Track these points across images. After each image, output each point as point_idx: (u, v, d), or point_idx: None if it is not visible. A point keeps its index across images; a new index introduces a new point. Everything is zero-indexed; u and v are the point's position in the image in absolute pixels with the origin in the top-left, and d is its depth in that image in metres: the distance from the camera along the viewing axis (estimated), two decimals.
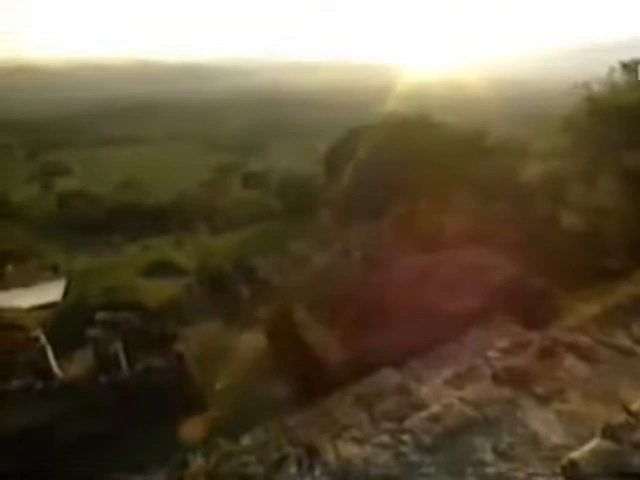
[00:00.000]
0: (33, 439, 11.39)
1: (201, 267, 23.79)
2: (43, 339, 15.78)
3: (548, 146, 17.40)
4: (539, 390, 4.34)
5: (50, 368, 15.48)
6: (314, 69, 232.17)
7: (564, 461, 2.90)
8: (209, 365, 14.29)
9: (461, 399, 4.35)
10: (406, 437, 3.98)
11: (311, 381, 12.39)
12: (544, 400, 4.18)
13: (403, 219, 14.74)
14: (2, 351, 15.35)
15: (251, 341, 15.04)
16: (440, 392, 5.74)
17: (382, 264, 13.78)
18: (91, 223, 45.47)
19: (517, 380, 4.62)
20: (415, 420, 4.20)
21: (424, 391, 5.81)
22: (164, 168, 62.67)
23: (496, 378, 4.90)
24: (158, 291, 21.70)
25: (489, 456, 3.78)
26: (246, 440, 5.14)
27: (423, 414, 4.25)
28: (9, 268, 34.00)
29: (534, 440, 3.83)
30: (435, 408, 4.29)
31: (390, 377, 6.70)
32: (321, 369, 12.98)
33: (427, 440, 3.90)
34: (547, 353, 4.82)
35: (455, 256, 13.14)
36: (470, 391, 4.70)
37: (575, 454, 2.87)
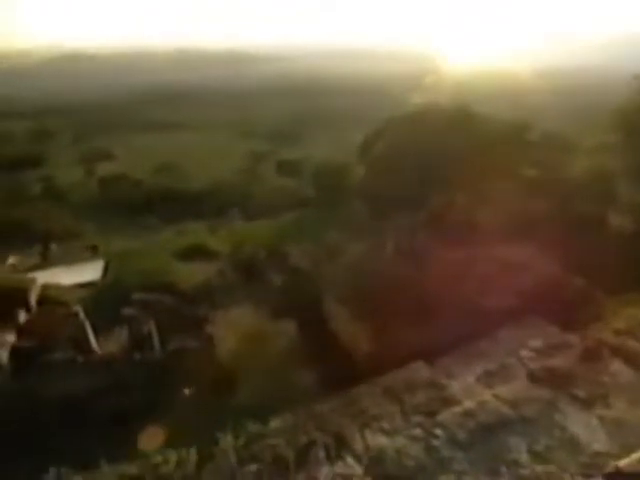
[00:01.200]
0: (71, 408, 11.89)
1: (234, 253, 24.13)
2: (82, 315, 16.42)
3: (597, 141, 16.60)
4: (581, 393, 4.15)
5: (89, 343, 16.11)
6: (351, 57, 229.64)
7: (609, 468, 2.76)
8: (238, 349, 14.51)
9: (496, 396, 4.22)
10: (438, 431, 3.89)
11: (338, 370, 12.42)
12: (586, 404, 4.00)
13: (440, 212, 14.45)
14: (46, 324, 16.07)
15: (281, 328, 15.17)
16: (471, 389, 5.59)
17: (416, 257, 13.59)
18: (130, 206, 46.81)
19: (557, 381, 4.43)
20: (448, 415, 4.10)
21: (455, 387, 5.68)
22: (201, 154, 63.64)
23: (534, 378, 4.72)
24: (192, 274, 22.17)
25: (524, 457, 3.65)
26: (275, 423, 5.13)
27: (456, 409, 4.15)
28: (53, 247, 35.47)
29: (573, 444, 3.67)
30: (469, 404, 4.18)
31: (420, 371, 6.57)
32: (349, 359, 12.98)
33: (460, 435, 3.81)
34: (591, 355, 4.61)
35: (492, 252, 12.81)
36: (506, 389, 4.55)
37: (622, 462, 2.72)
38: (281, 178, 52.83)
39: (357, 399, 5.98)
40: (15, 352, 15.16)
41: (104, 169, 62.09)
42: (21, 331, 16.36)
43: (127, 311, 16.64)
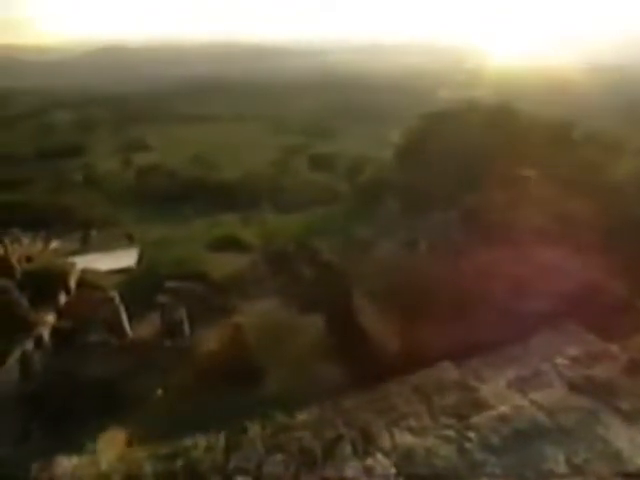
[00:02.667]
0: (103, 387, 12.29)
1: (265, 245, 24.33)
2: (118, 300, 16.93)
3: None
4: (624, 406, 3.97)
5: (122, 327, 16.61)
6: (387, 51, 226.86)
7: None
8: (266, 340, 14.63)
9: (532, 402, 4.09)
10: (471, 434, 3.80)
11: (365, 366, 12.34)
12: (631, 417, 3.81)
13: (475, 211, 14.10)
14: (84, 307, 16.67)
15: (309, 321, 15.19)
16: (502, 393, 5.45)
17: (449, 256, 13.32)
18: (164, 196, 47.94)
19: (598, 392, 4.25)
20: (481, 418, 4.00)
21: (485, 390, 5.55)
22: (234, 146, 64.46)
23: (572, 386, 4.55)
24: (223, 265, 22.51)
25: (562, 468, 3.52)
26: (301, 416, 5.15)
27: (490, 413, 4.04)
28: (92, 233, 36.72)
29: (616, 458, 3.50)
30: (503, 408, 4.06)
31: (449, 372, 6.47)
32: (377, 357, 12.88)
33: (494, 440, 3.71)
34: (636, 367, 4.40)
35: (529, 253, 12.40)
36: (542, 396, 4.39)
37: None
38: (313, 172, 52.93)
39: (385, 396, 5.93)
40: (54, 332, 15.81)
41: (141, 159, 63.76)
42: (60, 312, 17.03)
43: (160, 298, 17.05)
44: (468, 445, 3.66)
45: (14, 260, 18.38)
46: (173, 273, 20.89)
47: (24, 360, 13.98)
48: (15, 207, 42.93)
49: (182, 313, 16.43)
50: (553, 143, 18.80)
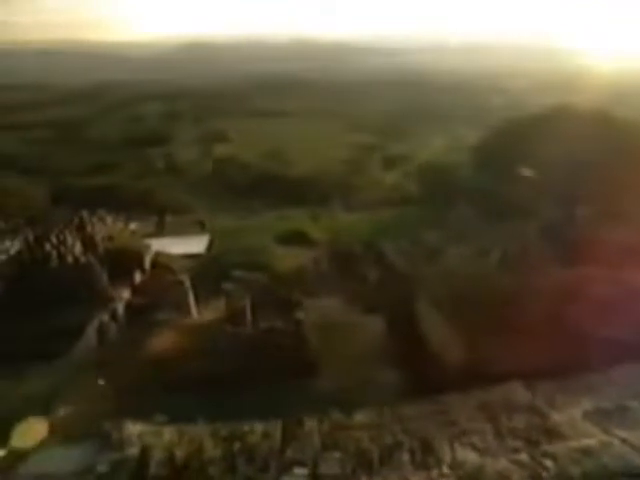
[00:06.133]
0: (168, 365, 12.88)
1: (332, 243, 24.38)
2: (187, 283, 17.71)
3: None
4: None
5: (189, 309, 17.36)
6: (464, 51, 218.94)
7: None
8: (326, 338, 14.62)
9: (623, 441, 3.67)
10: (548, 462, 3.49)
11: (424, 374, 11.97)
12: None
13: (559, 225, 13.15)
14: (156, 287, 17.63)
15: (369, 323, 15.00)
16: (579, 424, 4.99)
17: (525, 270, 12.54)
18: (237, 187, 49.53)
19: None
20: (559, 447, 3.66)
21: (558, 417, 5.12)
22: (307, 143, 65.15)
23: None
24: (288, 259, 22.85)
25: None
26: (359, 417, 5.04)
27: (570, 443, 3.69)
28: (167, 218, 38.75)
29: None
30: (587, 441, 3.69)
31: (519, 393, 6.06)
32: (437, 366, 12.45)
33: (575, 473, 3.37)
34: None
35: (616, 274, 11.37)
36: (631, 435, 3.94)
37: None
38: (385, 172, 52.29)
39: (448, 409, 5.68)
40: (128, 307, 16.86)
41: (218, 150, 66.38)
42: (135, 290, 18.14)
43: (226, 285, 17.63)
44: (545, 474, 3.35)
45: (98, 238, 19.81)
46: (240, 262, 21.52)
47: (101, 330, 15.05)
48: (103, 190, 46.41)
49: (246, 302, 16.86)
50: None
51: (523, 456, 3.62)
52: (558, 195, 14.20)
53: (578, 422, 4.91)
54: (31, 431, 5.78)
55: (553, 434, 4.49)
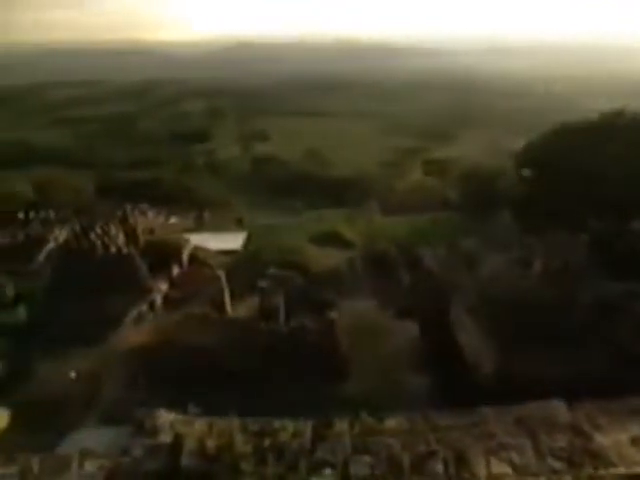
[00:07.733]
0: (200, 358, 13.10)
1: (367, 245, 24.20)
2: (224, 279, 17.99)
3: None
4: None
5: (224, 305, 17.62)
6: (510, 53, 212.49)
7: None
8: (358, 340, 14.51)
9: None
10: None
11: (456, 383, 11.70)
12: None
13: (607, 238, 12.52)
14: (193, 281, 18.00)
15: (403, 328, 14.78)
16: (625, 451, 4.68)
17: (568, 283, 12.02)
18: (276, 186, 50.02)
19: None
20: (606, 473, 3.45)
21: (603, 442, 4.83)
22: (346, 143, 64.98)
23: None
24: (323, 259, 22.85)
25: None
26: (390, 422, 4.92)
27: (618, 470, 3.46)
28: (206, 214, 39.60)
29: None
30: (637, 469, 3.45)
31: (560, 411, 5.76)
32: (469, 374, 12.14)
33: None
34: None
35: None
36: None
37: None
38: (425, 176, 51.52)
39: (484, 421, 5.48)
40: (165, 299, 17.30)
41: (258, 149, 67.31)
42: (172, 282, 18.60)
43: (261, 283, 17.80)
44: None
45: (139, 231, 20.42)
46: (275, 260, 21.70)
47: (139, 320, 15.50)
48: (146, 184, 47.95)
49: (280, 300, 16.97)
50: None
51: (567, 478, 3.43)
52: (611, 207, 13.51)
53: (625, 447, 4.64)
54: None
55: (598, 458, 4.27)
